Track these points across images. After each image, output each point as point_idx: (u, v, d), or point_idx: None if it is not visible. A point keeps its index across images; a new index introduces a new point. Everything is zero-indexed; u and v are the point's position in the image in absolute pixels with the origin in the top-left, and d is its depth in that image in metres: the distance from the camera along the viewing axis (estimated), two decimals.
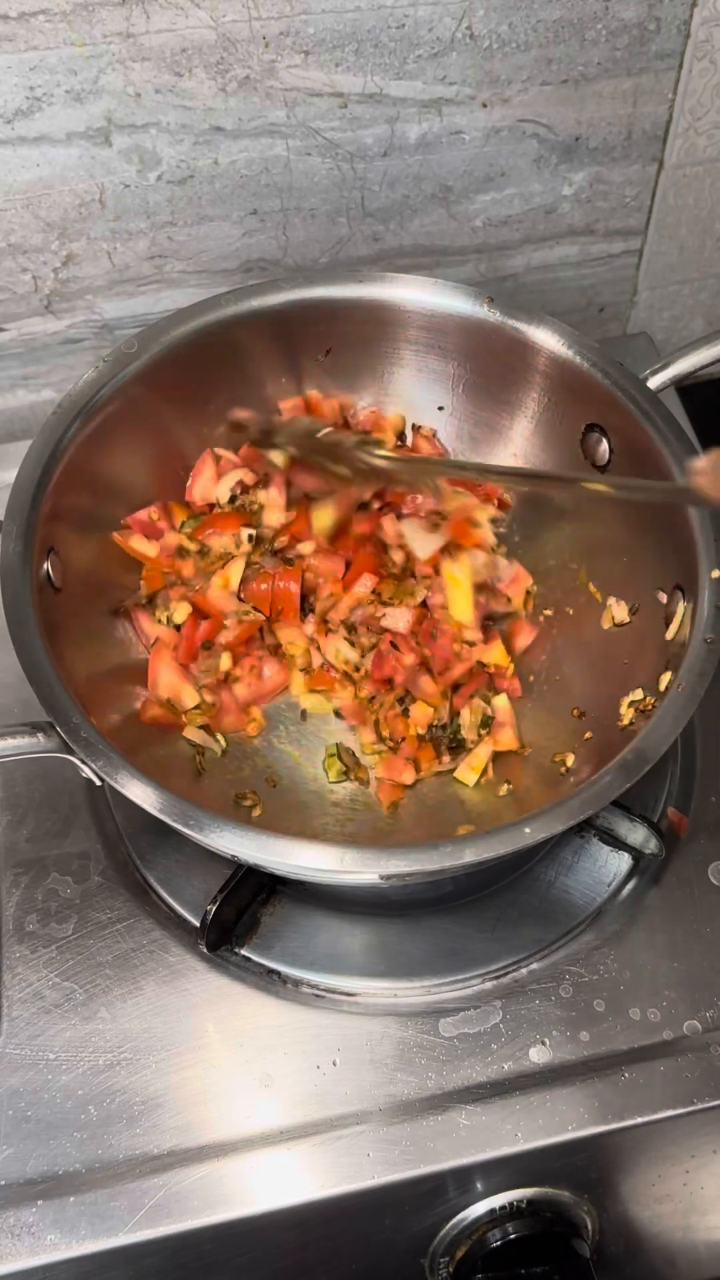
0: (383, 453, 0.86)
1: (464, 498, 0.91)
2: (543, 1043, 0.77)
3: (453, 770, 0.86)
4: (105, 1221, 0.70)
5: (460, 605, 0.88)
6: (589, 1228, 0.79)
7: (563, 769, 0.82)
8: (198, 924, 0.80)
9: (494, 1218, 0.76)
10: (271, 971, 0.80)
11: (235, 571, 0.90)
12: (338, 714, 0.90)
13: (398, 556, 0.92)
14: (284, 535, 0.93)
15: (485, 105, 1.00)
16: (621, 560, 0.88)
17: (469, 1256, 0.77)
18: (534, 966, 0.80)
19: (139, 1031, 0.78)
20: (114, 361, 0.86)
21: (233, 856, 0.71)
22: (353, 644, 0.90)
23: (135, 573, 0.91)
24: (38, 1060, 0.77)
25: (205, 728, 0.87)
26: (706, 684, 0.73)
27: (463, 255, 1.12)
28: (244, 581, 0.91)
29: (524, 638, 0.92)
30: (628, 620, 0.86)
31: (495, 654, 0.89)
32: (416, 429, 0.98)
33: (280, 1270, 0.78)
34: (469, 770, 0.85)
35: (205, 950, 0.80)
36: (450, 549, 0.90)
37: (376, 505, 0.93)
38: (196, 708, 0.87)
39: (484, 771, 0.85)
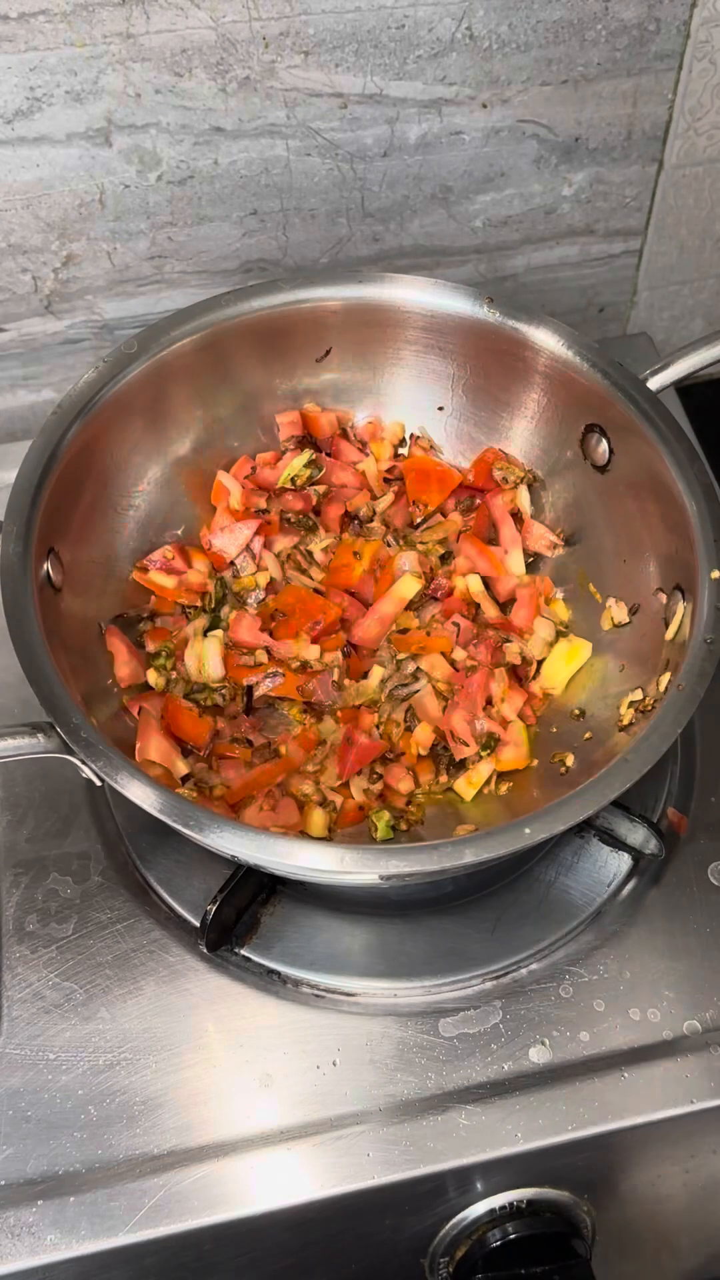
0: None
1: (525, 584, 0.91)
2: (543, 1043, 0.77)
3: (450, 785, 0.85)
4: (105, 1221, 0.70)
5: (559, 678, 0.88)
6: (589, 1228, 0.79)
7: (563, 769, 0.82)
8: (198, 924, 0.80)
9: (494, 1218, 0.76)
10: (271, 971, 0.80)
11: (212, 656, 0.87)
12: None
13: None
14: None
15: (485, 106, 1.00)
16: (621, 561, 0.88)
17: (469, 1256, 0.77)
18: (534, 967, 0.80)
19: (139, 1031, 0.78)
20: (114, 362, 0.86)
21: (233, 857, 0.71)
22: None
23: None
24: (38, 1060, 0.77)
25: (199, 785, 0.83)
26: (706, 684, 0.72)
27: (463, 255, 1.12)
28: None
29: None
30: (628, 620, 0.86)
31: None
32: (414, 438, 0.97)
33: (280, 1270, 0.78)
34: (468, 786, 0.84)
35: (205, 950, 0.80)
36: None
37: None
38: (189, 777, 0.82)
39: (484, 786, 0.84)
